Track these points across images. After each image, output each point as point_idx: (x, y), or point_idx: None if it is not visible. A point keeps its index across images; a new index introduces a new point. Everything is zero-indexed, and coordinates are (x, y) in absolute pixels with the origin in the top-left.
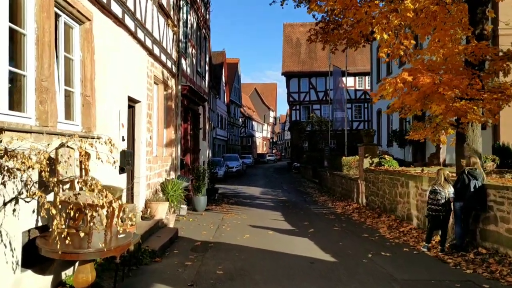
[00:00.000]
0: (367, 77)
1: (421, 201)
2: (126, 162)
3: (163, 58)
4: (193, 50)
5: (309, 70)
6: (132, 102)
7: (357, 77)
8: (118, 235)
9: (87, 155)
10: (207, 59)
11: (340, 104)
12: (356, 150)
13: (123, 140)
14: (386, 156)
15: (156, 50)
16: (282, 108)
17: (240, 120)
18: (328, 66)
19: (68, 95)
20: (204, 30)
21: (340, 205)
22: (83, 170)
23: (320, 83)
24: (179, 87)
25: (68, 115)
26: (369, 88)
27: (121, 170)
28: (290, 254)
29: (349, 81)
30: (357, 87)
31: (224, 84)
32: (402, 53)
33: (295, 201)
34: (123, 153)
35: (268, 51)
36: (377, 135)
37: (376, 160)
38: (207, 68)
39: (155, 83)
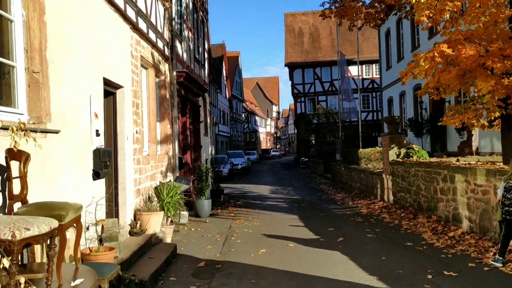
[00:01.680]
0: (374, 65)
1: (475, 199)
2: (102, 164)
3: (152, 36)
4: (190, 34)
5: (313, 60)
6: (111, 87)
7: (364, 66)
8: (75, 279)
9: (23, 156)
10: (206, 46)
11: (347, 94)
12: (368, 141)
13: (97, 135)
14: (414, 146)
15: (142, 25)
16: (285, 102)
17: (243, 115)
18: (332, 55)
19: (7, 72)
20: (201, 13)
21: (363, 203)
22: (21, 181)
23: (325, 73)
24: (174, 73)
25: (8, 99)
26: (377, 76)
27: (96, 175)
28: (323, 278)
29: (356, 70)
30: (364, 76)
31: (225, 78)
32: (448, 16)
33: (310, 200)
34: (97, 153)
35: (266, 46)
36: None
37: (403, 151)
38: (206, 55)
39: (143, 66)
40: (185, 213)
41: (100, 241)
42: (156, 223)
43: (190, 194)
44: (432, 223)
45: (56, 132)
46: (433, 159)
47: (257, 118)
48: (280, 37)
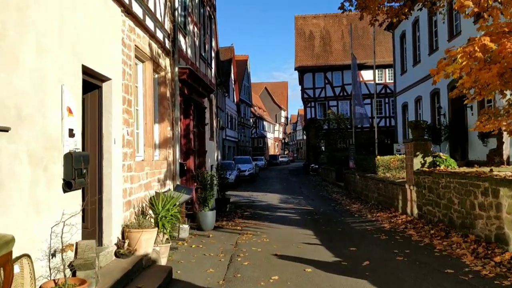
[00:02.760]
0: (387, 70)
1: None
2: (76, 173)
3: (150, 24)
4: (195, 29)
5: (324, 64)
6: (95, 79)
7: (376, 70)
8: None
9: None
10: (214, 44)
11: (359, 100)
12: (382, 149)
13: (71, 135)
14: (441, 154)
15: (137, 9)
16: (293, 108)
17: (251, 120)
18: (344, 59)
19: None
20: (208, 8)
21: (383, 216)
22: None
23: (336, 77)
24: (176, 69)
25: None
26: (391, 81)
27: (67, 186)
28: None
29: (368, 75)
30: (377, 81)
31: (233, 82)
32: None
33: (324, 211)
34: (69, 158)
35: (274, 52)
36: (403, 132)
37: (429, 159)
38: (213, 54)
39: (139, 58)
40: (185, 227)
41: (73, 269)
42: (148, 242)
43: (192, 204)
44: (470, 244)
45: (5, 130)
46: (467, 169)
47: (265, 123)
48: (289, 42)
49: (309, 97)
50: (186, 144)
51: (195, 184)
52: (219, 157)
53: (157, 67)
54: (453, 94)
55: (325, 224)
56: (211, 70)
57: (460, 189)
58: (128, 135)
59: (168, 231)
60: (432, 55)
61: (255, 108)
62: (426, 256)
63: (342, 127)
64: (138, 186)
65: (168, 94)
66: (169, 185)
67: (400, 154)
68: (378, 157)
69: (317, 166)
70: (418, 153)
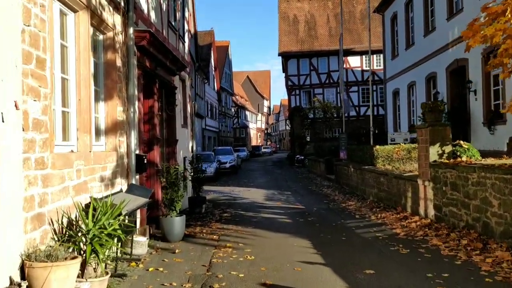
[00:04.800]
0: (375, 55)
1: None
2: None
3: None
4: None
5: (309, 50)
6: None
7: (363, 56)
8: None
9: None
10: (187, 15)
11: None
12: (373, 138)
13: None
14: (462, 142)
15: None
16: (275, 99)
17: (233, 109)
18: (330, 44)
19: None
20: None
21: (390, 218)
22: None
23: (322, 64)
24: (131, 31)
25: None
26: (380, 67)
27: None
28: None
29: (355, 61)
30: (364, 67)
31: (213, 69)
32: None
33: (317, 211)
34: None
35: (256, 42)
36: (394, 120)
37: (448, 148)
38: (186, 27)
39: (66, 4)
40: (141, 240)
41: None
42: (63, 284)
43: (158, 206)
44: None
45: None
46: (499, 161)
47: (247, 113)
48: (272, 31)
49: (293, 84)
50: (149, 131)
51: (159, 181)
52: (196, 148)
53: (100, 23)
54: (489, 67)
55: (323, 230)
56: (183, 44)
57: (502, 188)
58: (34, 112)
59: (102, 258)
60: (428, 36)
61: (236, 97)
62: (475, 285)
63: (329, 116)
64: (59, 191)
65: (119, 63)
66: (121, 184)
67: (394, 144)
68: (377, 146)
69: (302, 157)
70: (435, 141)
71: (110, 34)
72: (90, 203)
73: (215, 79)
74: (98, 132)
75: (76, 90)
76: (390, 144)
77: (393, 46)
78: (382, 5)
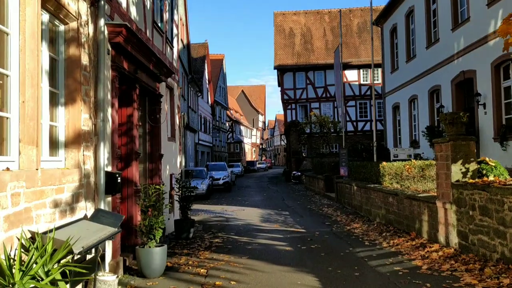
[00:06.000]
0: (374, 70)
1: None
2: None
3: None
4: None
5: (306, 63)
6: None
7: (361, 70)
8: None
9: None
10: (176, 18)
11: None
12: (371, 154)
13: None
14: (488, 159)
15: None
16: (270, 114)
17: (227, 124)
18: (327, 58)
19: None
20: None
21: (403, 245)
22: None
23: (318, 77)
24: (102, 23)
25: None
26: (378, 82)
27: None
28: None
29: (352, 75)
30: (362, 82)
31: (207, 82)
32: None
33: (320, 235)
34: None
35: (251, 57)
36: (394, 136)
37: (473, 166)
38: (176, 32)
39: None
40: (110, 279)
41: None
42: None
43: (137, 233)
44: None
45: None
46: None
47: (242, 127)
48: (266, 47)
49: (289, 98)
50: (126, 144)
51: (138, 204)
52: (188, 163)
53: (57, 8)
54: None
55: (330, 262)
56: (171, 49)
57: None
58: None
59: None
60: (431, 48)
61: (231, 111)
62: None
63: (326, 131)
64: None
65: (85, 61)
66: (85, 209)
67: (397, 160)
68: (384, 163)
69: (299, 174)
70: (457, 157)
71: (73, 24)
72: (34, 236)
73: (209, 93)
74: (54, 145)
75: (19, 89)
76: (393, 160)
77: (392, 59)
78: (380, 17)
